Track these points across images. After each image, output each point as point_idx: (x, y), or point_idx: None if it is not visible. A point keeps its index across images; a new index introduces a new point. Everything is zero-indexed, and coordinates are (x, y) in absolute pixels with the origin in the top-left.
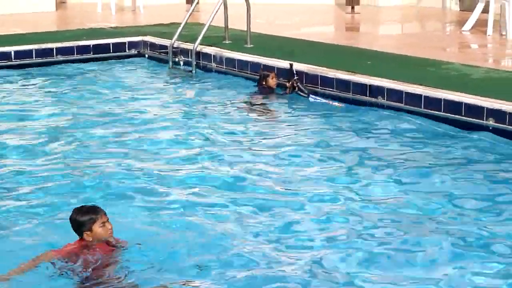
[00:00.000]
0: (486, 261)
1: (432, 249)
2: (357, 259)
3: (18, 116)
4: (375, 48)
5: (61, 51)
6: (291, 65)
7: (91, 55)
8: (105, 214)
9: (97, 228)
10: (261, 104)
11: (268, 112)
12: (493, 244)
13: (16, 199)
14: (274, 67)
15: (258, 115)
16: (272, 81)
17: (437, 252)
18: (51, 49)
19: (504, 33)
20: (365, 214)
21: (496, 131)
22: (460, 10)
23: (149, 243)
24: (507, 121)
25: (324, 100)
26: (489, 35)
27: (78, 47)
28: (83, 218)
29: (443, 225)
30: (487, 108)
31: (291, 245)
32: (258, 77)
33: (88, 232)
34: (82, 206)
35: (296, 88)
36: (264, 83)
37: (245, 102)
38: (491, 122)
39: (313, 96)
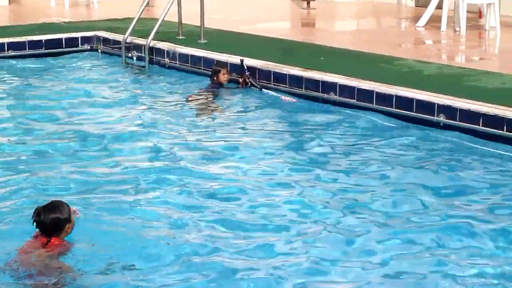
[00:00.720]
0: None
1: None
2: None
3: None
4: (330, 44)
5: (12, 46)
6: (241, 60)
7: (43, 50)
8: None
9: (72, 218)
10: (210, 99)
11: (216, 107)
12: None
13: None
14: (227, 62)
15: (206, 110)
16: (223, 77)
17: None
18: (3, 44)
19: (457, 29)
20: (319, 203)
21: (446, 127)
22: (415, 6)
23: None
24: (458, 117)
25: (276, 94)
26: (443, 31)
27: (30, 42)
28: (66, 213)
29: (397, 219)
30: (438, 104)
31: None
32: (211, 72)
33: (69, 225)
34: (49, 204)
35: (249, 84)
36: (215, 78)
37: (195, 97)
38: (441, 118)
39: (265, 90)
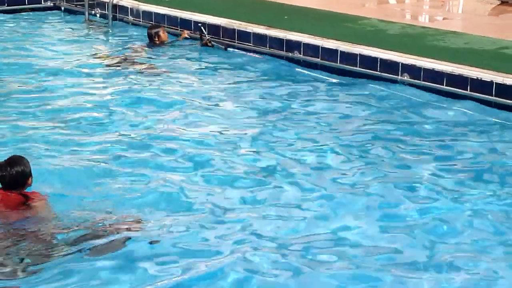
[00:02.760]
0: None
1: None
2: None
3: None
4: (293, 3)
5: None
6: (200, 26)
7: (5, 7)
8: None
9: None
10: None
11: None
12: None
13: None
14: (190, 20)
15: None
16: (164, 35)
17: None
18: None
19: None
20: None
21: (410, 85)
22: None
23: None
24: (421, 76)
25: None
26: None
27: None
28: (28, 166)
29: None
30: (402, 64)
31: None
32: (150, 35)
33: (31, 178)
34: (15, 158)
35: (211, 45)
36: (157, 39)
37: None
38: (405, 78)
39: (230, 49)
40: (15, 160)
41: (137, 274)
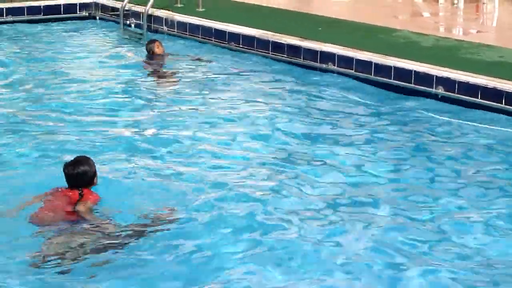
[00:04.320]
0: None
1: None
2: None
3: None
4: (326, 14)
5: (11, 11)
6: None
7: (41, 16)
8: None
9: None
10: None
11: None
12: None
13: None
14: (225, 31)
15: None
16: (158, 49)
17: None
18: (1, 9)
19: (455, 1)
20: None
21: (444, 99)
22: None
23: None
24: (456, 89)
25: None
26: (441, 4)
27: (28, 7)
28: (93, 166)
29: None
30: (436, 76)
31: None
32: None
33: (96, 178)
34: (81, 158)
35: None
36: (151, 53)
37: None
38: (440, 90)
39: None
40: (80, 160)
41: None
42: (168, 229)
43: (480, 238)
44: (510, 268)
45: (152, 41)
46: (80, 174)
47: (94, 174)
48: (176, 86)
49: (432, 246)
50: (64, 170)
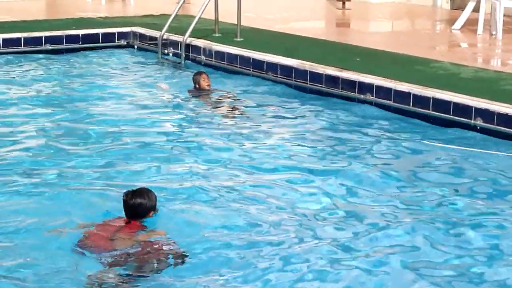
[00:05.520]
0: None
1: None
2: None
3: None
4: (364, 45)
5: (50, 40)
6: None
7: (80, 45)
8: None
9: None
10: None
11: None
12: None
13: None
14: (263, 61)
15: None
16: (204, 82)
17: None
18: (40, 38)
19: (494, 32)
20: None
21: (483, 130)
22: (450, 9)
23: None
24: (495, 121)
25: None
26: (479, 34)
27: (67, 36)
28: (153, 200)
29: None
30: (475, 108)
31: None
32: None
33: (153, 211)
34: (141, 190)
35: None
36: (198, 86)
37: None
38: (478, 122)
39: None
40: (141, 192)
41: None
42: None
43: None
44: None
45: (199, 73)
46: (136, 205)
47: (151, 208)
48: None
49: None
50: (123, 197)
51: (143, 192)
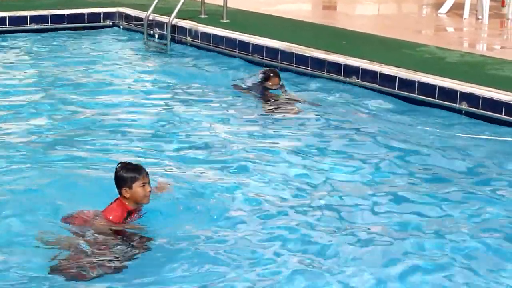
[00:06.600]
0: None
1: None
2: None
3: None
4: (351, 28)
5: (35, 19)
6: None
7: (65, 25)
8: (147, 175)
9: (137, 187)
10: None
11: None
12: None
13: None
14: (249, 43)
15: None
16: (272, 82)
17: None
18: (25, 17)
19: (480, 17)
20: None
21: (468, 114)
22: None
23: None
24: (480, 105)
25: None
26: (465, 19)
27: (52, 16)
28: (127, 174)
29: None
30: (460, 92)
31: None
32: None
33: (127, 189)
34: (128, 163)
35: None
36: (270, 84)
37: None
38: (464, 106)
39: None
40: (124, 164)
41: None
42: None
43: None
44: None
45: (271, 71)
46: (115, 174)
47: (122, 180)
48: None
49: None
50: None
51: (128, 165)
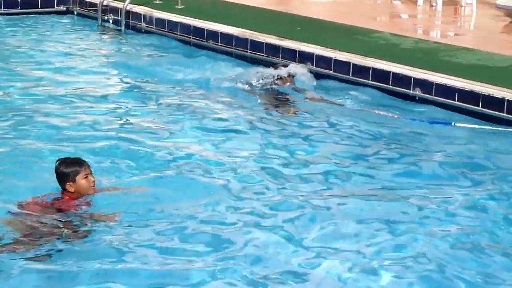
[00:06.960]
0: None
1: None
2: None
3: None
4: (305, 14)
5: None
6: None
7: (18, 10)
8: (88, 166)
9: (80, 179)
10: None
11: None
12: None
13: None
14: (204, 29)
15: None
16: (284, 80)
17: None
18: None
19: (434, 4)
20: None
21: (422, 100)
22: None
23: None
24: (433, 91)
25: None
26: (419, 6)
27: (6, 1)
28: (67, 169)
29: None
30: (414, 78)
31: None
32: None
33: (71, 183)
34: (66, 158)
35: None
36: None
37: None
38: (417, 92)
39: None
40: (63, 160)
41: None
42: None
43: None
44: None
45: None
46: (56, 171)
47: (64, 175)
48: None
49: None
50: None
51: (68, 160)
